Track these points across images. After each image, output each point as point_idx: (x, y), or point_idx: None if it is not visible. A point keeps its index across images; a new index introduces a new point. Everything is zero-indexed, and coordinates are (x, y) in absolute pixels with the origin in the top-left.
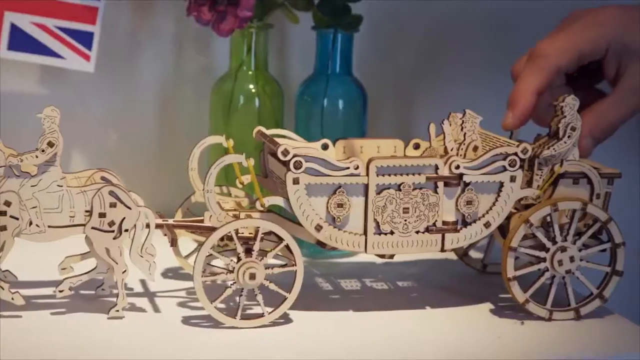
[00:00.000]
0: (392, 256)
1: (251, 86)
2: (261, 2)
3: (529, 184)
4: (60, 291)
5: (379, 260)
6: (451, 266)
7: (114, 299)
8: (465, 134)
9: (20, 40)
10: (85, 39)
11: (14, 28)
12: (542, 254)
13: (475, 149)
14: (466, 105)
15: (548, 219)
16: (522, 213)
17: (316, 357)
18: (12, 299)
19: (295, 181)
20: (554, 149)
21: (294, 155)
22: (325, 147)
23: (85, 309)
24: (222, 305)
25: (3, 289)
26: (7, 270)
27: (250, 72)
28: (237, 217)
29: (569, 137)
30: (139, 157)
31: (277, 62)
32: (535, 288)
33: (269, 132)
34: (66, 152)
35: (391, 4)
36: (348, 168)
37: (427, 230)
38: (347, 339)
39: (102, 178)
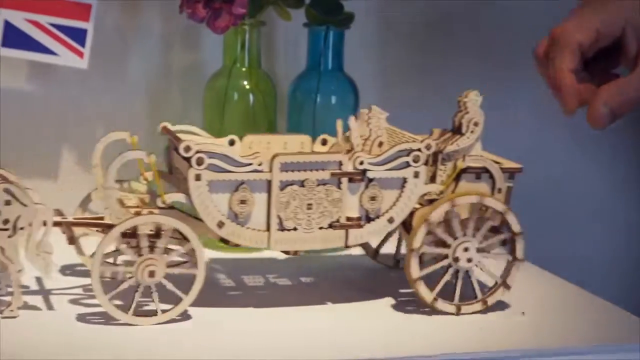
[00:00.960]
0: (296, 252)
1: (245, 83)
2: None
3: (432, 179)
4: None
5: (284, 256)
6: (359, 262)
7: (10, 298)
8: (371, 130)
9: (13, 37)
10: (79, 35)
11: (8, 25)
12: (445, 251)
13: (381, 144)
14: (454, 99)
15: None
16: (423, 212)
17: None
18: None
19: (198, 177)
20: (457, 144)
21: (197, 152)
22: (232, 143)
23: None
24: (120, 302)
25: None
26: None
27: (243, 69)
28: (138, 214)
29: (472, 132)
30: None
31: (268, 58)
32: (441, 286)
33: (174, 127)
34: (56, 150)
35: (379, 2)
36: (251, 164)
37: (331, 226)
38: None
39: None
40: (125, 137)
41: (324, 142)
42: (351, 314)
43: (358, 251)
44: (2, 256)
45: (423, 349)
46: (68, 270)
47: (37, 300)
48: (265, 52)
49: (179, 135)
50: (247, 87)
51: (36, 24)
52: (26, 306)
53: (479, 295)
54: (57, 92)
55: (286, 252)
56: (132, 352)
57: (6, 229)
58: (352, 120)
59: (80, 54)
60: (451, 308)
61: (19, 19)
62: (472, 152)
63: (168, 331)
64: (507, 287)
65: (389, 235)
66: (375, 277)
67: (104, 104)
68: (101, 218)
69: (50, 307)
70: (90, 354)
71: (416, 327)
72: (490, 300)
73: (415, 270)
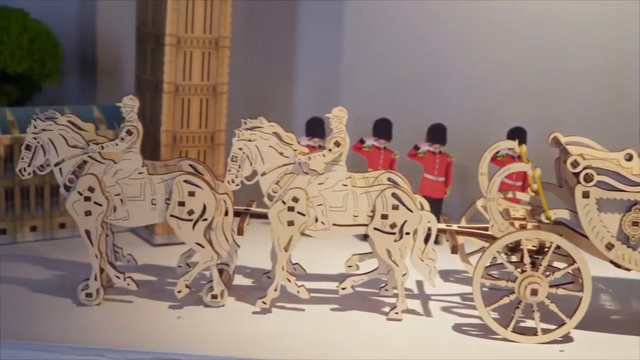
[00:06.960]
0: None
1: None
2: None
3: None
4: (343, 289)
5: None
6: None
7: (393, 300)
8: None
9: None
10: None
11: None
12: None
13: None
14: None
15: None
16: None
17: None
18: (298, 292)
19: (585, 195)
20: None
21: (585, 167)
22: (629, 157)
23: (364, 307)
24: (496, 315)
25: (290, 281)
26: (297, 264)
27: None
28: (523, 228)
29: None
30: None
31: None
32: None
33: (565, 139)
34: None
35: None
36: None
37: None
38: None
39: (389, 179)
40: (513, 147)
41: None
42: None
43: None
44: (388, 259)
45: None
46: (449, 276)
47: (416, 305)
48: None
49: (569, 147)
50: None
51: None
52: (407, 310)
53: None
54: None
55: None
56: None
57: (393, 233)
58: None
59: None
60: None
61: None
62: None
63: (547, 350)
64: None
65: None
66: None
67: None
68: (485, 228)
69: (428, 313)
70: None
71: None
72: None
73: None
